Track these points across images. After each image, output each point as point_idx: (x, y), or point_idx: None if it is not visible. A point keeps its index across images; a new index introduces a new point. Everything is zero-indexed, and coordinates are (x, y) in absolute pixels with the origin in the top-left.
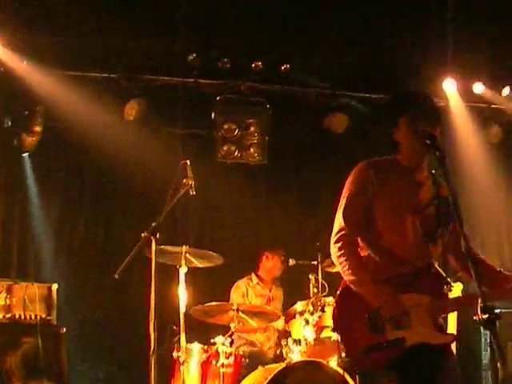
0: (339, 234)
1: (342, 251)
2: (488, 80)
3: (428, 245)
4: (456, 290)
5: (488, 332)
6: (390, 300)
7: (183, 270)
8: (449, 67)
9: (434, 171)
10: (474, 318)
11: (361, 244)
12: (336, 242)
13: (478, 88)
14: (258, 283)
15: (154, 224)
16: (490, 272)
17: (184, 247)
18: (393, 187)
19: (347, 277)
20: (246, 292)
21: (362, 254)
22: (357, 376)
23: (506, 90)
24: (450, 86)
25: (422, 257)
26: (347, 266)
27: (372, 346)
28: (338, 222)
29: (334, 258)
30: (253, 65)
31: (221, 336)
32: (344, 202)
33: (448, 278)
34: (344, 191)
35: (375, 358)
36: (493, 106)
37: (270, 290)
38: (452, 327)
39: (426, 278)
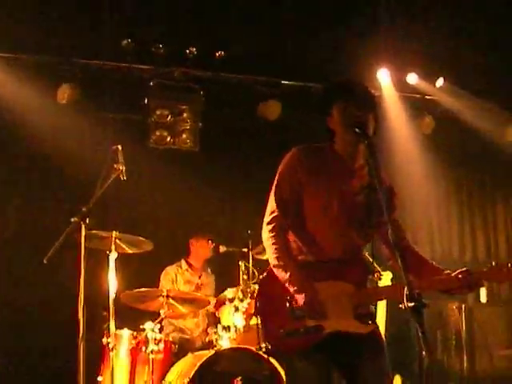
0: (271, 216)
1: (272, 234)
2: (422, 71)
3: (355, 233)
4: (385, 278)
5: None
6: (306, 289)
7: (113, 256)
8: (383, 57)
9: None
10: (400, 305)
11: (292, 226)
12: (268, 224)
13: (412, 79)
14: (187, 269)
15: (83, 209)
16: (421, 263)
17: (114, 233)
18: (322, 174)
19: (271, 260)
20: (175, 278)
21: (290, 239)
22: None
23: (439, 82)
24: (384, 77)
25: (348, 245)
26: (273, 250)
27: (290, 332)
28: (271, 204)
29: (264, 239)
30: (187, 51)
31: (150, 322)
32: (276, 185)
33: (377, 267)
34: (277, 175)
35: (293, 343)
36: (426, 96)
37: (200, 277)
38: (381, 315)
39: (350, 266)
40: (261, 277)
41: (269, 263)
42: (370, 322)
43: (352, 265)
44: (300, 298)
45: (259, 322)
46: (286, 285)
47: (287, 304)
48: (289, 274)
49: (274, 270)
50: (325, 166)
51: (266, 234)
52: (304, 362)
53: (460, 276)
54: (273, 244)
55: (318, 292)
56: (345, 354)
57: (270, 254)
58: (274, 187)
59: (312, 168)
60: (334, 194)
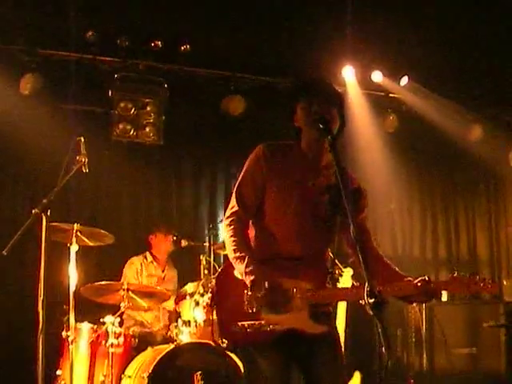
0: (231, 211)
1: (230, 227)
2: (387, 69)
3: (317, 232)
4: (346, 275)
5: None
6: (266, 278)
7: (74, 249)
8: (348, 55)
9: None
10: (361, 302)
11: (250, 223)
12: (227, 218)
13: (377, 76)
14: (152, 262)
15: (45, 201)
16: (383, 268)
17: (75, 225)
18: (287, 171)
19: (229, 253)
20: (140, 269)
21: (250, 234)
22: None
23: (404, 80)
24: (348, 74)
25: (308, 243)
26: (231, 242)
27: (245, 326)
28: (232, 199)
29: (224, 231)
30: (152, 44)
31: (110, 316)
32: (239, 180)
33: (339, 264)
34: (242, 169)
35: (250, 338)
36: (390, 95)
37: (163, 271)
38: (341, 312)
39: (309, 265)
40: (218, 271)
41: (227, 258)
42: (326, 323)
43: (312, 264)
44: (258, 288)
45: (215, 316)
46: (244, 276)
47: (244, 299)
48: (245, 264)
49: (232, 262)
50: (290, 164)
51: (225, 227)
52: (262, 357)
53: (419, 284)
54: (231, 237)
55: (283, 288)
56: (300, 353)
57: (228, 247)
58: (237, 182)
59: (277, 165)
60: (298, 192)
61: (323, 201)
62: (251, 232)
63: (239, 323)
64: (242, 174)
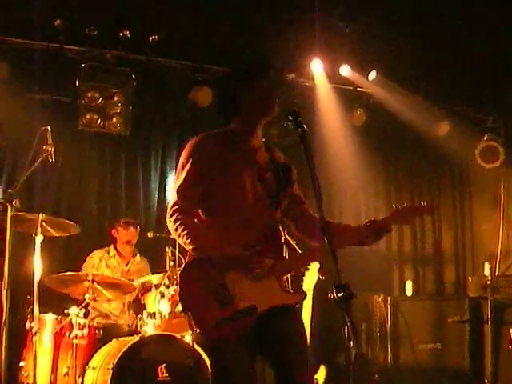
0: (173, 208)
1: (179, 223)
2: (355, 63)
3: (271, 209)
4: (312, 268)
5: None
6: (242, 255)
7: (39, 239)
8: (317, 48)
9: (264, 139)
10: (329, 295)
11: (202, 216)
12: (171, 216)
13: (345, 70)
14: (114, 256)
15: (10, 190)
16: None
17: (41, 215)
18: (227, 158)
19: (188, 246)
20: (98, 263)
21: (202, 225)
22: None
23: (372, 74)
24: (316, 67)
25: (266, 221)
26: (188, 236)
27: (225, 318)
28: (173, 196)
29: (172, 231)
30: (120, 34)
31: (75, 307)
32: (182, 176)
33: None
34: (180, 165)
35: (229, 329)
36: (358, 89)
37: (127, 264)
38: (307, 306)
39: (270, 242)
40: (179, 272)
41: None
42: (299, 292)
43: (272, 240)
44: (237, 263)
45: (189, 315)
46: (218, 260)
47: (215, 290)
48: (213, 247)
49: (196, 252)
50: (229, 149)
51: (172, 224)
52: (230, 350)
53: (367, 224)
54: (184, 230)
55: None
56: (268, 343)
57: (185, 241)
58: (179, 178)
59: (217, 154)
60: (246, 174)
61: (269, 178)
62: (203, 223)
63: (218, 318)
64: (183, 169)
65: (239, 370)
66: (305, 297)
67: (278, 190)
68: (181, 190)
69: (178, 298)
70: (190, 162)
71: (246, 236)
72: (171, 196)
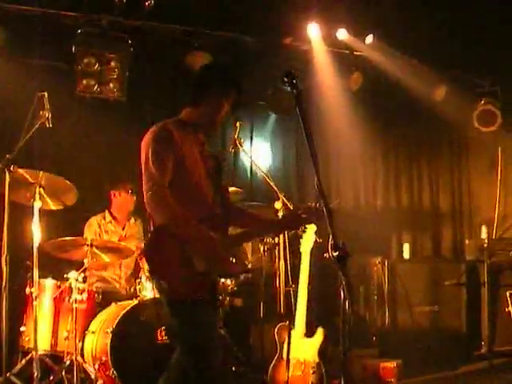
0: (155, 187)
1: (161, 196)
2: (352, 27)
3: (216, 193)
4: (309, 231)
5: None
6: (209, 234)
7: (37, 205)
8: (313, 12)
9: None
10: (325, 255)
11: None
12: (154, 194)
13: (342, 34)
14: (110, 221)
15: (8, 156)
16: (248, 217)
17: (41, 173)
18: (190, 144)
19: (168, 216)
20: (99, 230)
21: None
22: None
23: (369, 38)
24: (313, 31)
25: (214, 204)
26: (168, 207)
27: (187, 277)
28: (151, 174)
29: (151, 203)
30: None
31: (74, 271)
32: (155, 157)
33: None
34: (150, 149)
35: (193, 290)
36: (355, 53)
37: (123, 228)
38: (304, 269)
39: (217, 221)
40: (150, 234)
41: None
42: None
43: (219, 221)
44: (207, 244)
45: (157, 277)
46: (193, 239)
47: (180, 255)
48: (196, 230)
49: (173, 227)
50: (187, 138)
51: (155, 200)
52: (199, 308)
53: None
54: (166, 206)
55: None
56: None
57: (166, 216)
58: (152, 159)
59: (179, 139)
60: (201, 159)
61: (213, 167)
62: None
63: (182, 279)
64: (155, 153)
65: (209, 327)
66: (246, 269)
67: (217, 178)
68: (158, 169)
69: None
70: (158, 147)
71: (202, 211)
72: (146, 174)
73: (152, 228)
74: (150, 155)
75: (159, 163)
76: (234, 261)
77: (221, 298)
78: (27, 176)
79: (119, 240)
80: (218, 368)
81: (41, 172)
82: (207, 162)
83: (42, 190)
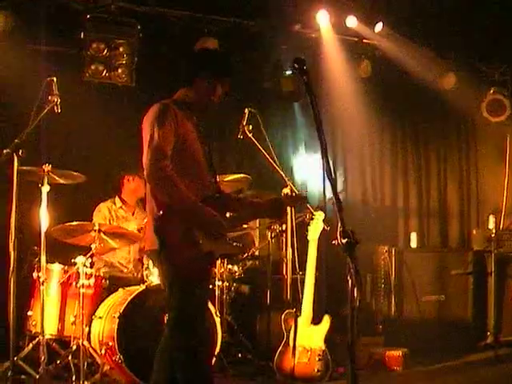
0: (161, 160)
1: (167, 173)
2: (361, 14)
3: (212, 174)
4: (317, 218)
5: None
6: (216, 216)
7: (45, 189)
8: None
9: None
10: (333, 242)
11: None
12: (158, 165)
13: (351, 22)
14: (121, 207)
15: (16, 140)
16: (236, 200)
17: (46, 166)
18: (189, 124)
19: (177, 196)
20: (110, 215)
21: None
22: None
23: (378, 26)
24: (323, 18)
25: (213, 183)
26: (177, 187)
27: (194, 259)
28: (156, 146)
29: (157, 179)
30: None
31: (81, 256)
32: (158, 134)
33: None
34: (154, 124)
35: (198, 269)
36: (365, 40)
37: (133, 214)
38: (312, 255)
39: (216, 202)
40: (159, 214)
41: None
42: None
43: (217, 202)
44: (217, 227)
45: (165, 253)
46: (204, 218)
47: (186, 234)
48: (205, 208)
49: (182, 206)
50: (187, 117)
51: (160, 174)
52: (200, 288)
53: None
54: (177, 185)
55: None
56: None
57: (172, 195)
58: (155, 136)
59: (180, 118)
60: (199, 141)
61: (206, 150)
62: None
63: (189, 257)
64: (158, 128)
65: (205, 309)
66: (244, 250)
67: (211, 159)
68: (161, 147)
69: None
70: (162, 123)
71: (202, 191)
72: (150, 146)
73: (156, 204)
74: (154, 128)
75: (164, 136)
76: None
77: (228, 284)
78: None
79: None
80: (203, 354)
81: (46, 165)
82: (203, 142)
83: (50, 173)
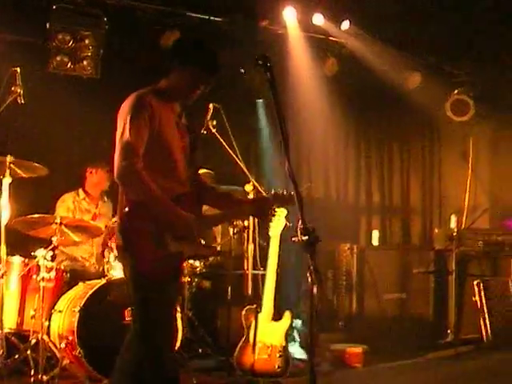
0: (130, 155)
1: (136, 170)
2: (328, 12)
3: (189, 167)
4: (280, 215)
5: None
6: (185, 217)
7: (7, 181)
8: None
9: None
10: (294, 239)
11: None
12: (127, 162)
13: (318, 19)
14: (84, 199)
15: None
16: (223, 196)
17: (9, 157)
18: (167, 115)
19: (145, 194)
20: (73, 207)
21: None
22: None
23: (345, 24)
24: (289, 15)
25: (187, 179)
26: (145, 184)
27: (159, 258)
28: (127, 143)
29: (124, 176)
30: None
31: (42, 249)
32: (130, 128)
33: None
34: (127, 117)
35: (164, 269)
36: (331, 38)
37: (97, 207)
38: (273, 252)
39: (190, 199)
40: (125, 211)
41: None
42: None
43: (191, 197)
44: (183, 225)
45: (128, 254)
46: (171, 217)
47: (153, 234)
48: (171, 206)
49: (154, 205)
50: (164, 109)
51: (134, 174)
52: (163, 289)
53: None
54: (141, 182)
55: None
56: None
57: (141, 192)
58: (127, 130)
59: (156, 111)
60: (176, 134)
61: (187, 141)
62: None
63: (155, 259)
64: (132, 121)
65: (169, 311)
66: (215, 252)
67: (190, 153)
68: (134, 135)
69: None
70: (136, 116)
71: (175, 190)
72: (121, 142)
73: (124, 201)
74: (127, 122)
75: (136, 131)
76: (203, 242)
77: (189, 279)
78: None
79: (92, 218)
80: (168, 353)
81: (9, 157)
82: (183, 135)
83: (11, 164)
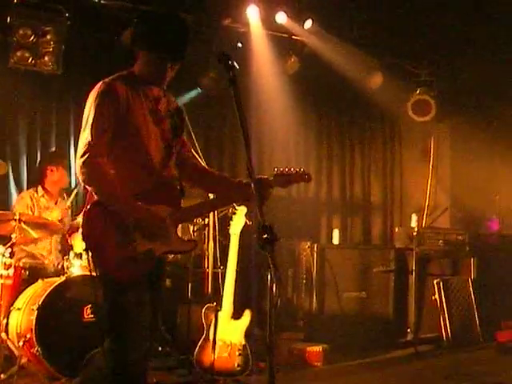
0: (89, 152)
1: (94, 168)
2: (291, 11)
3: (167, 157)
4: (240, 213)
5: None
6: (148, 213)
7: None
8: None
9: (165, 87)
10: (254, 236)
11: (109, 160)
12: (87, 160)
13: (281, 18)
14: (43, 195)
15: None
16: (220, 180)
17: None
18: (139, 102)
19: (102, 193)
20: (32, 204)
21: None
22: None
23: (307, 23)
24: (252, 13)
25: (165, 169)
26: (102, 183)
27: (124, 258)
28: (87, 139)
29: (83, 174)
30: None
31: (1, 246)
32: (94, 118)
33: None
34: (91, 108)
35: (131, 270)
36: (294, 37)
37: (56, 203)
38: (233, 250)
39: (167, 190)
40: (86, 209)
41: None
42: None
43: (168, 188)
44: (147, 223)
45: (91, 255)
46: (127, 213)
47: (117, 233)
48: (128, 202)
49: (107, 202)
50: (137, 93)
51: (87, 167)
52: (132, 291)
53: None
54: (100, 176)
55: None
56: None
57: (98, 187)
58: (91, 120)
59: (128, 96)
60: (151, 120)
61: (167, 126)
62: (111, 169)
63: (120, 259)
64: (95, 112)
65: (138, 312)
66: (195, 246)
67: (172, 138)
68: (95, 132)
69: None
70: (100, 106)
71: (146, 182)
72: (82, 139)
73: (88, 199)
74: (90, 114)
75: (98, 124)
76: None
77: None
78: None
79: (51, 215)
80: (137, 361)
81: None
82: (162, 120)
83: None
